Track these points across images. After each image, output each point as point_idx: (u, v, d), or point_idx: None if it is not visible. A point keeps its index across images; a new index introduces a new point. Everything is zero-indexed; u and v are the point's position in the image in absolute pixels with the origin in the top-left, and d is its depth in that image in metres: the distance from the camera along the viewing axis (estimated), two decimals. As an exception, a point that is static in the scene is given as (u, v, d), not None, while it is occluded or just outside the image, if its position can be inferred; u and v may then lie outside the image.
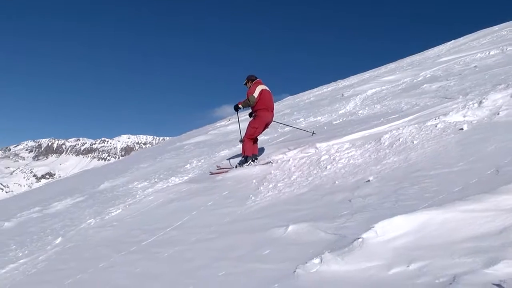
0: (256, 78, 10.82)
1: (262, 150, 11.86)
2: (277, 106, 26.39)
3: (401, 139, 7.58)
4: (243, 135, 10.93)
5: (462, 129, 6.99)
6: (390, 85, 18.38)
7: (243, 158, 10.59)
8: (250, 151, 10.48)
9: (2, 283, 7.31)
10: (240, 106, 10.71)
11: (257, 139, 10.98)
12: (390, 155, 7.07)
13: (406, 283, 3.26)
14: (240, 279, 4.34)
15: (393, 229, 4.02)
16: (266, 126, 10.88)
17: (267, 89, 10.70)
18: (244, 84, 10.94)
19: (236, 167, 10.52)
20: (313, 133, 12.16)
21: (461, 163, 5.65)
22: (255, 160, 10.42)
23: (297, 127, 14.61)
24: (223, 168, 11.13)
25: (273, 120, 11.26)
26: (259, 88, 10.45)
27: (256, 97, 10.35)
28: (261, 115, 10.55)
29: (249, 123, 10.70)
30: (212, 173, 10.95)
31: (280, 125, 16.26)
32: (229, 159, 12.24)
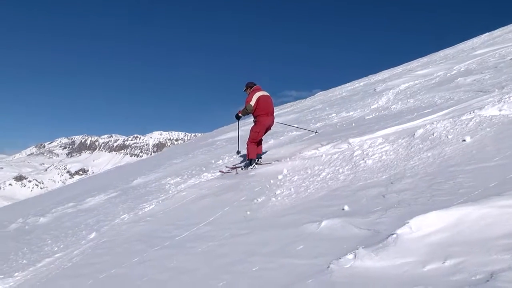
0: (255, 84, 11.39)
1: (293, 146, 11.86)
2: (309, 102, 26.27)
3: (435, 134, 7.49)
4: (240, 146, 11.81)
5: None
6: (423, 79, 18.17)
7: (248, 161, 11.10)
8: (254, 154, 10.97)
9: (39, 277, 7.46)
10: (240, 115, 11.26)
11: (261, 141, 11.54)
12: (424, 150, 6.99)
13: (442, 280, 3.23)
14: (273, 274, 4.34)
15: (428, 225, 3.98)
16: (268, 129, 11.40)
17: (265, 94, 11.19)
18: (244, 91, 11.48)
19: (241, 169, 11.04)
20: (315, 132, 12.44)
21: (497, 158, 5.56)
22: (259, 160, 11.04)
23: (300, 127, 14.76)
24: (233, 168, 11.55)
25: (276, 121, 11.84)
26: (256, 96, 10.95)
27: (253, 105, 10.89)
28: (261, 120, 11.07)
29: (251, 128, 11.19)
30: (222, 172, 11.55)
31: (312, 120, 16.26)
32: (235, 164, 12.32)
